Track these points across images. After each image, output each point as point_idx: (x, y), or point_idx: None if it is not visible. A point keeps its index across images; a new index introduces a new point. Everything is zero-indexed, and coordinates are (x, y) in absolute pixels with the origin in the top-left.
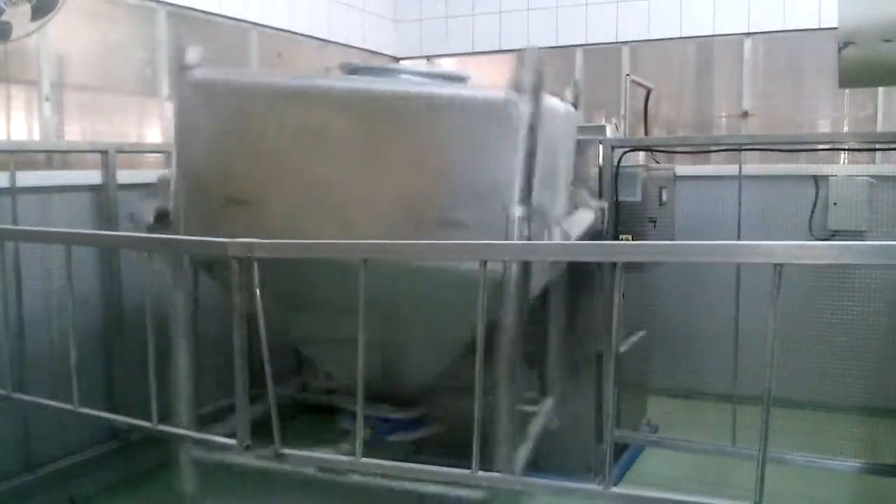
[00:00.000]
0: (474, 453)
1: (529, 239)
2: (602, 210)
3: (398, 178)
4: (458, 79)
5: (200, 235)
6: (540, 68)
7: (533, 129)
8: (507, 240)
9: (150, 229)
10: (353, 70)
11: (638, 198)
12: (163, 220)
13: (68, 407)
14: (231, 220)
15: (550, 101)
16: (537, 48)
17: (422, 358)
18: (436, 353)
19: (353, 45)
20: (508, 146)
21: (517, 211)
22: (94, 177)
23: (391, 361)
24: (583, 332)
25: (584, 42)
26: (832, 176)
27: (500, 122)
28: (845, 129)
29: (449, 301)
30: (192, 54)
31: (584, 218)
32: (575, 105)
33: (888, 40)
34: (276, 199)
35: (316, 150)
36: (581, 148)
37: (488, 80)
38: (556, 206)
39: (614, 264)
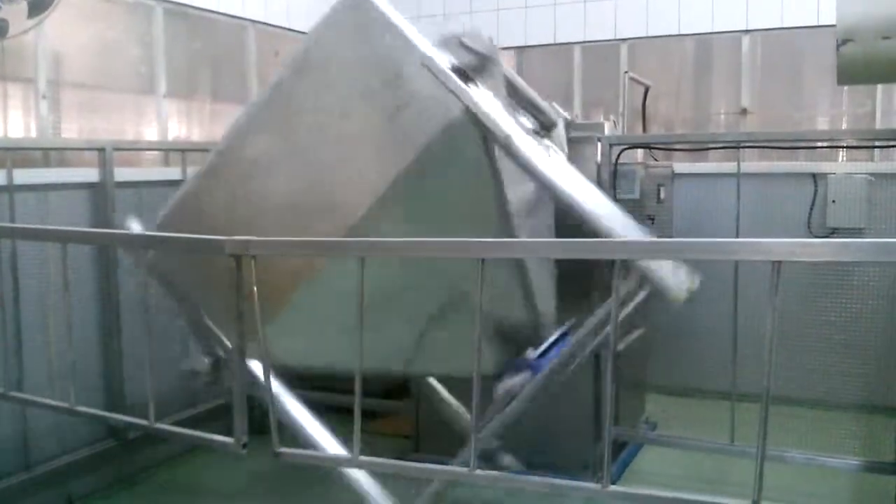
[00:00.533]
0: (472, 451)
1: None
2: None
3: None
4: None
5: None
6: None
7: None
8: None
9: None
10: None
11: (636, 195)
12: None
13: (65, 405)
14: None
15: None
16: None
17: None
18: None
19: None
20: None
21: None
22: (91, 174)
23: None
24: None
25: (582, 39)
26: (830, 173)
27: None
28: (844, 126)
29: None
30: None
31: None
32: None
33: (887, 37)
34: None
35: None
36: (579, 146)
37: None
38: None
39: (613, 261)
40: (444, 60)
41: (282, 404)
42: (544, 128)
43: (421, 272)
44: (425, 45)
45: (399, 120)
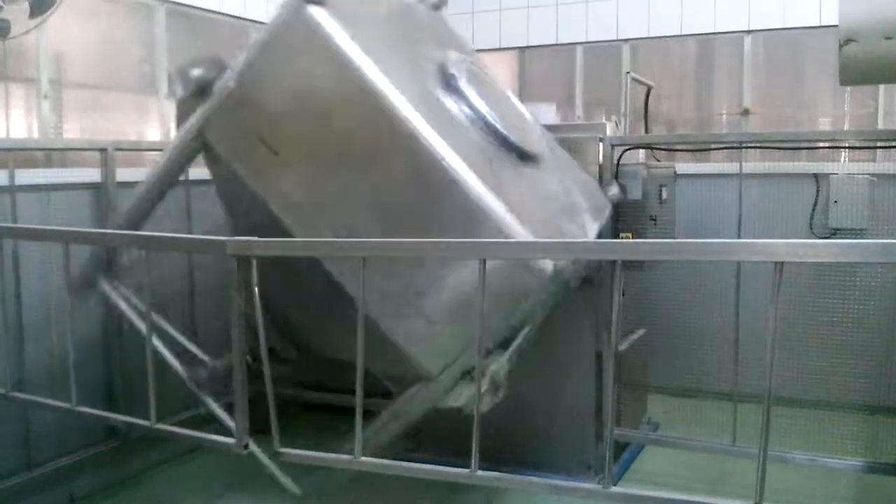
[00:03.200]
0: (473, 452)
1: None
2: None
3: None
4: (528, 157)
5: (221, 142)
6: None
7: None
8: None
9: (181, 101)
10: (446, 82)
11: (638, 196)
12: (202, 93)
13: (67, 405)
14: (252, 155)
15: None
16: None
17: None
18: None
19: None
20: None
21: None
22: (93, 175)
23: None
24: None
25: (584, 40)
26: (833, 174)
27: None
28: (846, 126)
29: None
30: None
31: None
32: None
33: (889, 38)
34: (300, 171)
35: (356, 158)
36: (581, 146)
37: None
38: None
39: (614, 262)
40: None
41: None
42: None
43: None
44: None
45: None
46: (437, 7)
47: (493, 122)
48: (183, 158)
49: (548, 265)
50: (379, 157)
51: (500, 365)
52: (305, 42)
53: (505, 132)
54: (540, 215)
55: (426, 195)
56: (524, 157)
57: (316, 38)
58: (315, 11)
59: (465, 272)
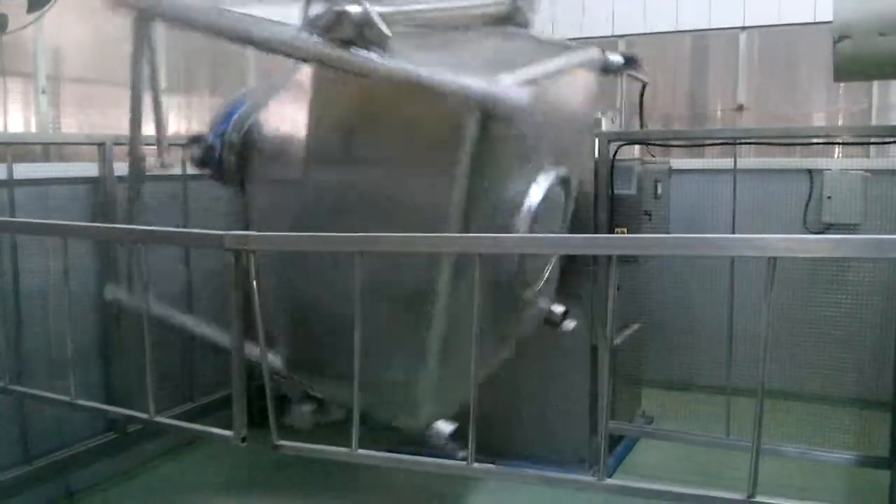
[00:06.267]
0: (470, 445)
1: None
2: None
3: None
4: None
5: None
6: None
7: None
8: None
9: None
10: None
11: (633, 191)
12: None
13: (65, 398)
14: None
15: None
16: None
17: None
18: None
19: None
20: None
21: None
22: (91, 169)
23: None
24: None
25: (579, 35)
26: (826, 169)
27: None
28: (840, 122)
29: None
30: None
31: None
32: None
33: (883, 34)
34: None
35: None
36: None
37: None
38: None
39: (609, 257)
40: None
41: None
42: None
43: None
44: None
45: None
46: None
47: None
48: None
49: None
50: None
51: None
52: None
53: None
54: None
55: None
56: None
57: None
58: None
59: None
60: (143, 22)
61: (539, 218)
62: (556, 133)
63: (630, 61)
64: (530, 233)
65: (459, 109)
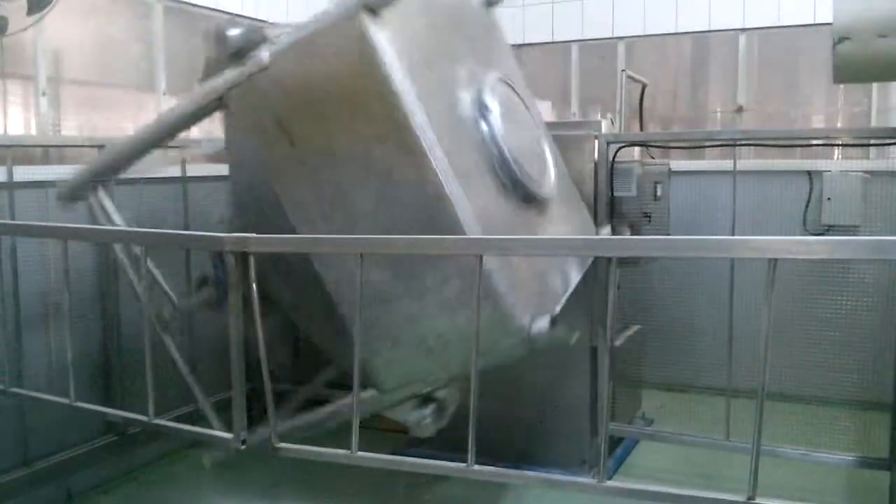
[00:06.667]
0: (470, 447)
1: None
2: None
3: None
4: (533, 199)
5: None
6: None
7: None
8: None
9: (211, 58)
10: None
11: (633, 193)
12: (235, 57)
13: (65, 401)
14: (272, 136)
15: None
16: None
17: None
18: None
19: None
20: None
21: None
22: None
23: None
24: None
25: (579, 37)
26: (826, 171)
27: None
28: (839, 124)
29: None
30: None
31: None
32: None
33: (883, 36)
34: (309, 171)
35: (365, 177)
36: (576, 143)
37: None
38: None
39: (609, 259)
40: None
41: None
42: None
43: None
44: None
45: None
46: (490, 4)
47: (508, 159)
48: (198, 114)
49: (526, 321)
50: (390, 170)
51: (450, 393)
52: (350, 48)
53: (518, 174)
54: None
55: (424, 216)
56: (530, 199)
57: (363, 47)
58: (369, 22)
59: (436, 310)
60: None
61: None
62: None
63: None
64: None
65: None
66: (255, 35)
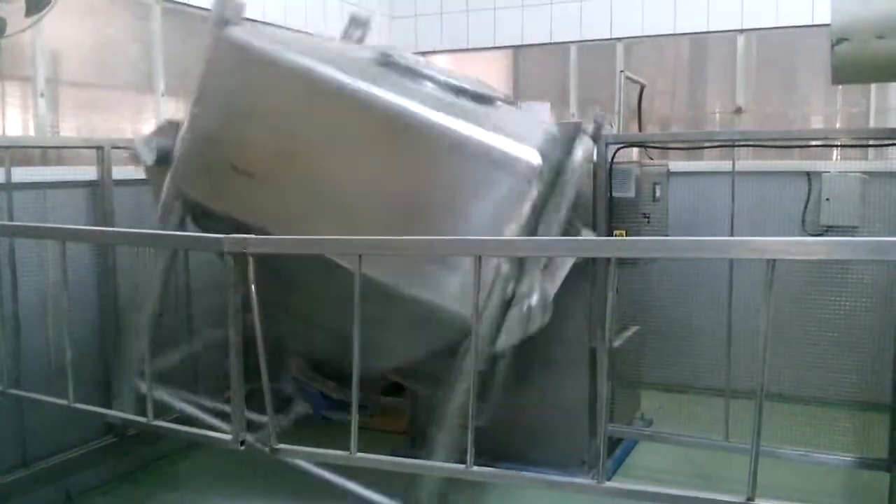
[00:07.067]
0: (469, 448)
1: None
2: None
3: (400, 194)
4: (485, 99)
5: (198, 191)
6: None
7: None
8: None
9: (148, 169)
10: (384, 62)
11: (632, 194)
12: (164, 160)
13: (63, 402)
14: (230, 188)
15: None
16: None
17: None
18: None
19: None
20: (513, 198)
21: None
22: (89, 173)
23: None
24: None
25: (578, 38)
26: (825, 172)
27: (513, 176)
28: (838, 125)
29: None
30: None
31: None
32: (594, 138)
33: (881, 37)
34: (280, 181)
35: (330, 145)
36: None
37: (482, 76)
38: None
39: (608, 260)
40: None
41: None
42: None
43: None
44: None
45: None
46: (361, 40)
47: (439, 76)
48: (174, 223)
49: None
50: (343, 132)
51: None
52: (236, 59)
53: (455, 81)
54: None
55: (403, 148)
56: (480, 99)
57: (244, 51)
58: (234, 31)
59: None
60: None
61: None
62: None
63: None
64: None
65: None
66: (172, 129)
